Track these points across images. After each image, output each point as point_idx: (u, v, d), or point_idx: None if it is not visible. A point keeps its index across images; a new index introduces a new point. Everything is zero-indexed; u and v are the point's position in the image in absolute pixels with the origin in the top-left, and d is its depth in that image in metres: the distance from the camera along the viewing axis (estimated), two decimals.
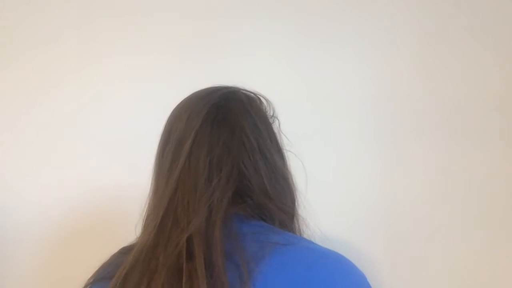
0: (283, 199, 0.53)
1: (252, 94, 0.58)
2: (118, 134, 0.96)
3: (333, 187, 0.90)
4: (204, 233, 0.44)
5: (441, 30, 0.88)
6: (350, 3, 0.91)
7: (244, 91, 0.58)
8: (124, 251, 0.53)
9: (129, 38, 0.98)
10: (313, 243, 0.48)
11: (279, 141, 0.57)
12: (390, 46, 0.90)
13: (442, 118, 0.87)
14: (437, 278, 0.85)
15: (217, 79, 0.94)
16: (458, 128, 0.86)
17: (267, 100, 0.60)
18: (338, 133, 0.91)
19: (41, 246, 0.96)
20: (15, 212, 0.98)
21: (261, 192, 0.50)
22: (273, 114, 0.60)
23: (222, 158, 0.49)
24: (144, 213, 0.54)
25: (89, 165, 0.96)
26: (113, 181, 0.94)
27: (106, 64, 0.98)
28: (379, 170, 0.88)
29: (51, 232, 0.96)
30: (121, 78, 0.98)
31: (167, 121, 0.57)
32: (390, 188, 0.88)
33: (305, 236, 0.58)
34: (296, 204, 0.56)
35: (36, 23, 1.01)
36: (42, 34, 1.01)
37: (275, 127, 0.58)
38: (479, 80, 0.86)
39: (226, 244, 0.44)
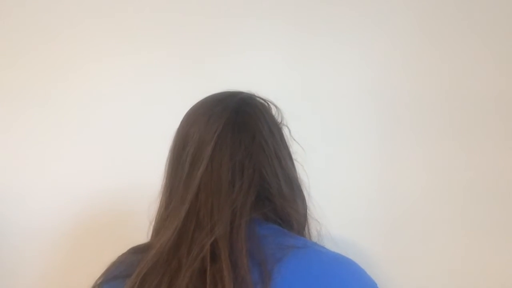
0: (296, 204, 0.55)
1: (263, 101, 0.60)
2: (127, 134, 0.96)
3: (333, 186, 0.90)
4: (229, 237, 0.45)
5: (442, 27, 0.88)
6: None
7: (258, 97, 0.59)
8: (135, 251, 0.53)
9: (130, 37, 0.98)
10: (324, 247, 0.50)
11: (288, 147, 0.59)
12: (390, 43, 0.89)
13: (443, 116, 0.87)
14: (438, 277, 0.86)
15: (217, 78, 0.95)
16: (460, 126, 0.86)
17: (277, 107, 0.62)
18: (338, 132, 0.91)
19: (49, 246, 0.97)
20: (22, 213, 0.98)
21: (279, 195, 0.52)
22: (281, 121, 0.61)
23: (244, 163, 0.50)
24: (155, 216, 0.55)
25: (96, 165, 0.96)
26: (121, 181, 0.94)
27: (107, 64, 0.98)
28: (380, 169, 0.88)
29: (61, 232, 0.96)
30: (122, 78, 0.98)
31: (182, 124, 0.57)
32: (391, 187, 0.88)
33: (315, 238, 0.59)
34: (307, 208, 0.58)
35: (37, 22, 1.01)
36: (42, 33, 1.01)
37: (285, 134, 0.60)
38: (480, 78, 0.86)
39: (249, 244, 0.45)
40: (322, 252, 0.47)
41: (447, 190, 0.86)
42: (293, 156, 0.60)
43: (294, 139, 0.64)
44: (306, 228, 0.57)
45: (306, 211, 0.57)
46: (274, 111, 0.61)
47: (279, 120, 0.61)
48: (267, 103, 0.60)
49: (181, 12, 0.97)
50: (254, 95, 0.59)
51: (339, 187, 0.89)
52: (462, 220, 0.85)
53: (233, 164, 0.49)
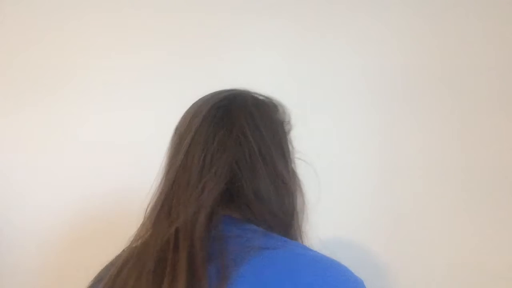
0: (279, 203, 0.52)
1: (263, 98, 0.58)
2: (123, 135, 0.96)
3: (335, 184, 0.90)
4: (190, 228, 0.45)
5: (436, 13, 0.88)
6: None
7: (254, 95, 0.58)
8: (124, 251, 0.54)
9: (130, 37, 0.98)
10: (303, 248, 0.47)
11: (285, 146, 0.56)
12: (389, 36, 0.89)
13: (444, 107, 0.87)
14: (438, 273, 0.85)
15: (217, 77, 0.94)
16: (459, 116, 0.86)
17: (281, 106, 0.60)
18: (339, 131, 0.90)
19: (44, 248, 0.96)
20: (18, 214, 0.98)
21: (254, 195, 0.50)
22: (286, 121, 0.59)
23: (215, 156, 0.49)
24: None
25: (95, 166, 0.96)
26: (117, 182, 0.94)
27: (106, 64, 0.98)
28: (381, 167, 0.88)
29: (56, 233, 0.96)
30: (121, 78, 0.97)
31: (176, 124, 0.58)
32: (391, 187, 0.88)
33: (306, 240, 0.57)
34: (294, 210, 0.55)
35: (34, 21, 1.01)
36: (40, 33, 1.00)
37: (285, 133, 0.58)
38: (477, 52, 0.86)
39: (212, 245, 0.44)
40: (293, 253, 0.45)
41: (446, 180, 0.86)
42: (297, 157, 0.58)
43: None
44: (294, 230, 0.54)
45: (293, 213, 0.54)
46: (279, 110, 0.59)
47: (282, 119, 0.59)
48: (270, 101, 0.58)
49: (181, 11, 0.97)
50: (248, 92, 0.58)
51: (341, 186, 0.89)
52: (462, 217, 0.85)
53: (203, 158, 0.49)
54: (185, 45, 0.96)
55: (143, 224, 0.51)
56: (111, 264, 0.53)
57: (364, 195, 0.88)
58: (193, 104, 0.58)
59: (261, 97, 0.58)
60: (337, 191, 0.88)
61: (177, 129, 0.56)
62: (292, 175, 0.56)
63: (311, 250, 0.47)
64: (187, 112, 0.57)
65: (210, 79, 0.95)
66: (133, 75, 0.97)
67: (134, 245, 0.49)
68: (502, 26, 0.86)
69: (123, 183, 0.93)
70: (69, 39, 0.99)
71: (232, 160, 0.50)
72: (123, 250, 0.54)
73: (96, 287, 0.50)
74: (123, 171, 0.94)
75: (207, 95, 0.58)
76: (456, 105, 0.87)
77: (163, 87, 0.96)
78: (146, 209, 0.54)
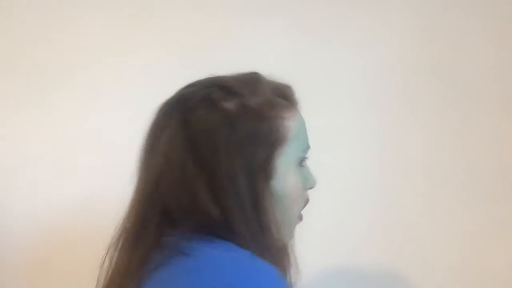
0: (201, 220, 0.45)
1: (234, 87, 0.50)
2: (123, 135, 0.95)
3: (330, 185, 0.90)
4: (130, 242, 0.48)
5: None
6: None
7: (223, 84, 0.50)
8: None
9: (129, 36, 0.98)
10: (224, 251, 0.42)
11: (233, 150, 0.45)
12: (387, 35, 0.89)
13: (443, 111, 0.87)
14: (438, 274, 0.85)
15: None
16: (458, 119, 0.86)
17: (276, 102, 0.50)
18: (339, 131, 0.90)
19: (44, 247, 0.96)
20: (18, 214, 0.97)
21: (168, 210, 0.46)
22: (270, 117, 0.49)
23: (143, 171, 0.50)
24: None
25: (93, 167, 0.96)
26: (117, 182, 0.93)
27: (106, 64, 0.98)
28: (380, 170, 0.88)
29: (56, 233, 0.96)
30: (120, 78, 0.97)
31: None
32: (389, 184, 0.87)
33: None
34: (228, 228, 0.44)
35: (34, 21, 1.00)
36: (40, 33, 1.00)
37: (254, 136, 0.46)
38: (477, 52, 0.86)
39: (153, 253, 0.44)
40: (198, 258, 0.41)
41: (446, 180, 0.86)
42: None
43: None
44: (239, 228, 0.44)
45: (226, 228, 0.44)
46: (263, 105, 0.49)
47: (271, 115, 0.48)
48: (222, 99, 0.48)
49: (181, 11, 0.96)
50: (203, 87, 0.51)
51: (341, 186, 0.89)
52: (462, 217, 0.85)
53: (141, 169, 0.50)
54: (185, 45, 0.96)
55: None
56: None
57: (364, 195, 0.88)
58: None
59: (231, 86, 0.50)
60: (337, 191, 0.88)
61: None
62: (238, 189, 0.45)
63: (230, 253, 0.42)
64: None
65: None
66: (133, 75, 0.97)
67: None
68: (502, 26, 0.86)
69: (123, 183, 0.93)
70: (69, 39, 0.99)
71: (159, 173, 0.46)
72: None
73: None
74: (123, 171, 0.94)
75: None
76: (456, 105, 0.87)
77: (163, 87, 0.95)
78: None
